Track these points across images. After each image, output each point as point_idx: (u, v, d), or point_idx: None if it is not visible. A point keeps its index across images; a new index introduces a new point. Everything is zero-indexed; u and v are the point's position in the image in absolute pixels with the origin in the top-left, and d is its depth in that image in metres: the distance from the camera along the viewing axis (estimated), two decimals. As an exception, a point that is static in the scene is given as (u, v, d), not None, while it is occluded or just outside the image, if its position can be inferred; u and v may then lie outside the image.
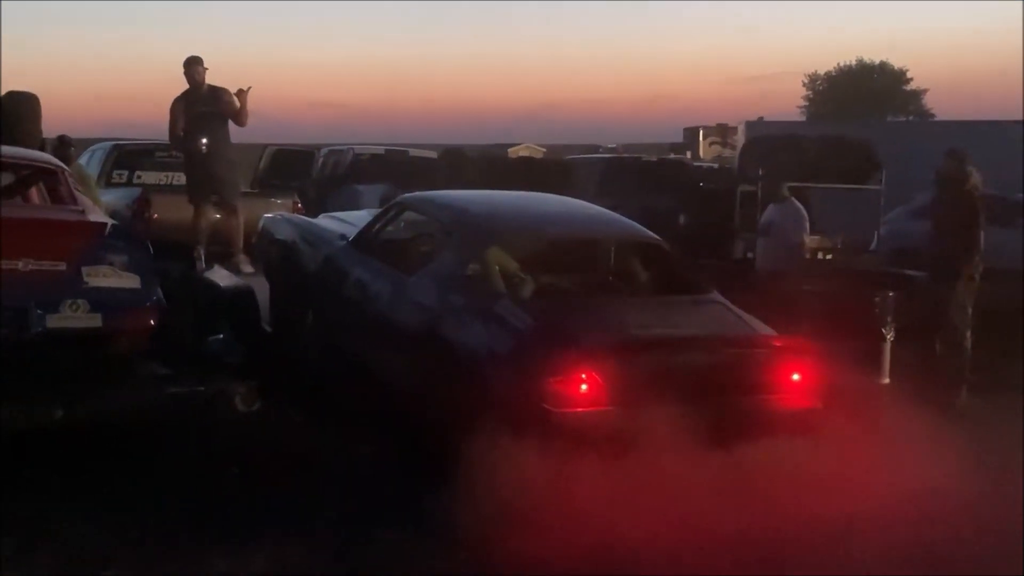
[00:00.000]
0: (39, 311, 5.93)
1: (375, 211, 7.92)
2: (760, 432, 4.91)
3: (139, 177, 13.39)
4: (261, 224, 8.78)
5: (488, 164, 18.67)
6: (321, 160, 19.23)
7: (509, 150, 33.68)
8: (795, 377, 5.41)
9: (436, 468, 4.86)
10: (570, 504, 4.34)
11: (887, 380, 7.11)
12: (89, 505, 4.83)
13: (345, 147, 19.71)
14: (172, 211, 10.77)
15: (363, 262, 6.84)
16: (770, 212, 9.91)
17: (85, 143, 14.53)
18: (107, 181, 13.02)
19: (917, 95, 51.02)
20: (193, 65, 9.75)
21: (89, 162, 13.39)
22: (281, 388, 6.76)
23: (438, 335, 5.71)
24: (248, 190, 13.01)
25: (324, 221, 8.35)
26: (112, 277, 6.20)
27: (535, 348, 5.21)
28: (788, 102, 54.13)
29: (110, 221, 6.99)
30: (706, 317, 5.87)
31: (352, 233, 7.25)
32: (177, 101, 9.77)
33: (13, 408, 5.91)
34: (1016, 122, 20.85)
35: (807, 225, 9.74)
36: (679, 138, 43.95)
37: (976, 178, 7.96)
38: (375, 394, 6.13)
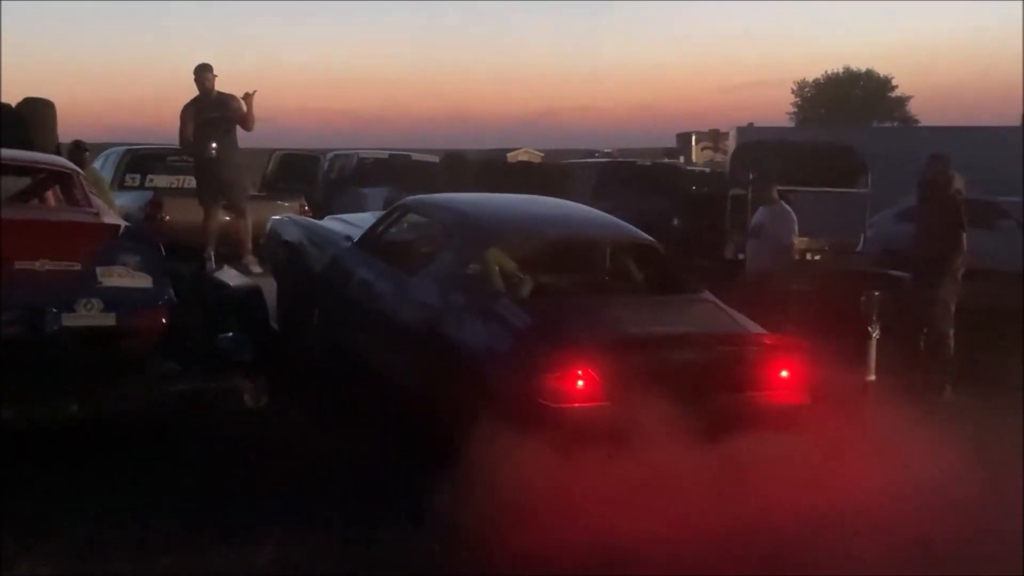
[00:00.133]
0: (55, 310, 5.93)
1: (379, 213, 7.92)
2: (750, 427, 4.90)
3: (151, 181, 13.39)
4: (269, 226, 8.78)
5: (488, 168, 18.66)
6: (327, 164, 19.21)
7: (508, 154, 33.57)
8: (784, 374, 5.41)
9: (438, 462, 4.85)
10: (566, 496, 4.34)
11: (873, 377, 7.08)
12: (98, 500, 4.82)
13: (350, 152, 19.70)
14: (183, 213, 10.77)
15: (367, 262, 6.84)
16: (760, 214, 9.90)
17: (99, 148, 14.51)
18: (120, 185, 13.01)
19: (901, 102, 51.04)
20: (203, 72, 9.76)
21: (103, 166, 13.38)
22: (288, 385, 6.76)
23: (439, 333, 5.71)
24: (256, 193, 13.01)
25: (330, 223, 8.34)
26: (125, 277, 6.21)
27: (533, 345, 5.21)
28: (778, 108, 54.16)
29: (123, 223, 7.00)
30: (698, 316, 5.86)
31: (357, 234, 7.25)
32: (187, 107, 9.78)
33: (30, 403, 5.93)
34: (998, 127, 20.89)
35: (796, 227, 9.72)
36: (672, 143, 43.81)
37: (958, 182, 7.97)
38: (379, 390, 6.12)
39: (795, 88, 53.15)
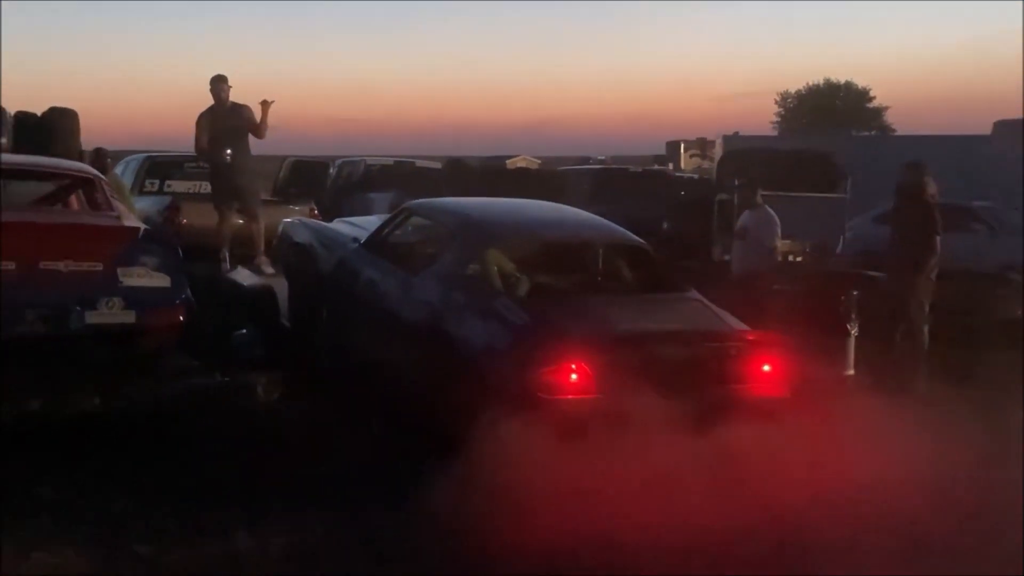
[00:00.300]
0: (78, 308, 5.94)
1: (385, 216, 7.92)
2: (733, 418, 4.91)
3: (169, 186, 13.35)
4: (281, 228, 8.78)
5: (488, 174, 18.65)
6: (336, 170, 19.17)
7: (507, 161, 33.57)
8: (765, 368, 5.42)
9: (440, 452, 4.86)
10: (560, 482, 4.34)
11: (852, 371, 7.11)
12: (117, 488, 4.82)
13: (358, 158, 19.66)
14: (199, 217, 10.76)
15: (373, 263, 6.83)
16: (745, 218, 9.91)
17: (120, 155, 14.51)
18: (140, 190, 12.99)
19: (879, 112, 50.97)
20: (219, 83, 9.76)
21: (124, 172, 13.37)
22: (299, 379, 6.77)
23: (441, 330, 5.72)
24: (268, 198, 12.98)
25: (338, 225, 8.34)
26: (145, 277, 6.22)
27: (530, 341, 5.21)
28: (762, 118, 54.05)
29: (143, 226, 6.99)
30: (685, 313, 5.87)
31: (363, 236, 7.25)
32: (203, 116, 9.77)
33: (55, 396, 5.94)
34: (970, 136, 20.88)
35: (779, 230, 9.73)
36: (662, 151, 43.74)
37: (932, 187, 7.97)
38: (384, 384, 6.13)
39: (778, 99, 53.09)
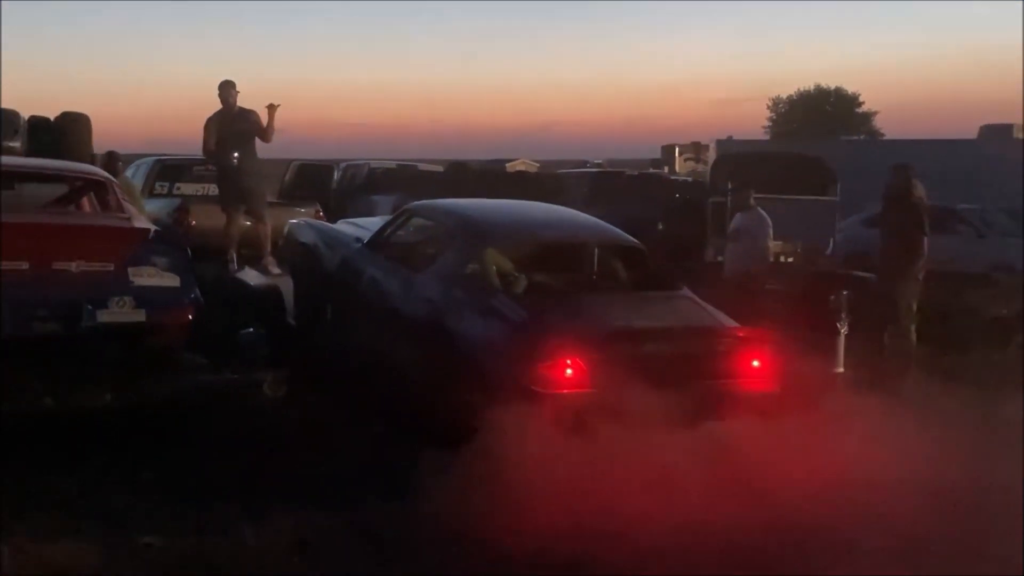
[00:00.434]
0: (90, 307, 5.94)
1: (387, 217, 7.91)
2: (723, 412, 4.92)
3: (179, 188, 13.34)
4: (287, 229, 8.78)
5: (488, 177, 18.64)
6: (340, 173, 19.14)
7: (507, 164, 33.54)
8: (755, 364, 5.43)
9: (440, 444, 4.86)
10: (556, 474, 4.34)
11: (841, 369, 7.10)
12: (128, 481, 4.83)
13: (362, 162, 19.64)
14: (208, 219, 10.74)
15: (376, 262, 6.84)
16: (738, 220, 9.90)
17: (131, 158, 14.50)
18: (150, 192, 12.97)
19: (868, 117, 50.96)
20: (227, 88, 9.75)
21: (134, 175, 13.35)
22: (305, 377, 6.76)
23: (441, 326, 5.73)
24: (275, 200, 12.98)
25: (342, 226, 8.34)
26: (155, 277, 6.22)
27: (526, 337, 5.23)
28: (754, 123, 54.09)
29: (153, 227, 6.99)
30: (677, 310, 5.88)
31: (367, 236, 7.25)
32: (211, 120, 9.76)
33: (68, 393, 5.94)
34: (956, 140, 20.89)
35: (771, 232, 9.72)
36: (657, 154, 43.79)
37: (920, 190, 7.96)
38: (386, 379, 6.12)
39: (770, 104, 53.14)
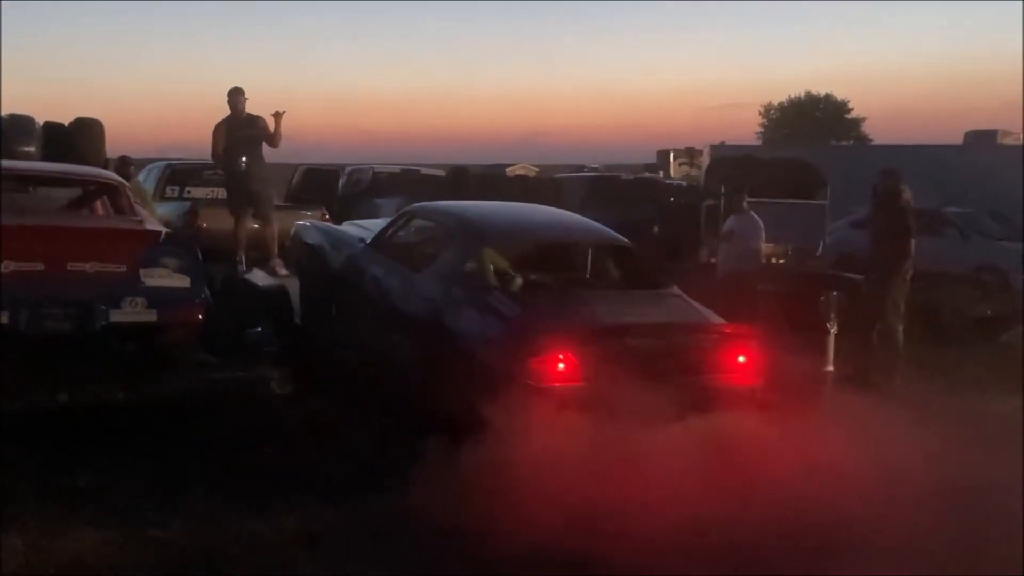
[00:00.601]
0: (103, 307, 5.94)
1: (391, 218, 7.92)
2: (709, 404, 4.91)
3: (189, 192, 13.36)
4: (294, 230, 8.79)
5: (488, 181, 18.63)
6: (346, 178, 19.10)
7: (507, 169, 33.45)
8: (740, 359, 5.44)
9: (439, 435, 4.86)
10: (548, 464, 4.34)
11: (831, 367, 7.11)
12: (140, 474, 4.83)
13: (367, 166, 19.60)
14: (217, 221, 10.74)
15: (378, 261, 6.86)
16: (731, 222, 9.92)
17: (143, 162, 14.50)
18: (161, 195, 12.99)
19: (857, 123, 50.81)
20: (236, 95, 9.75)
21: (146, 179, 13.35)
22: (311, 373, 6.77)
23: (440, 322, 5.74)
24: (282, 203, 12.97)
25: (347, 227, 8.36)
26: (166, 278, 6.23)
27: (520, 333, 5.24)
28: (747, 129, 53.87)
29: (164, 230, 7.00)
30: (666, 308, 5.89)
31: (370, 237, 7.27)
32: (220, 125, 9.76)
33: (82, 390, 5.94)
34: (942, 145, 20.86)
35: (763, 234, 9.75)
36: (653, 159, 43.57)
37: (907, 194, 7.97)
38: (389, 375, 6.13)
39: (762, 110, 52.96)
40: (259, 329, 7.64)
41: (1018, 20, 75.92)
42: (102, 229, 6.78)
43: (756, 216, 9.75)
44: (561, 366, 5.03)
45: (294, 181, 18.50)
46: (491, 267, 6.16)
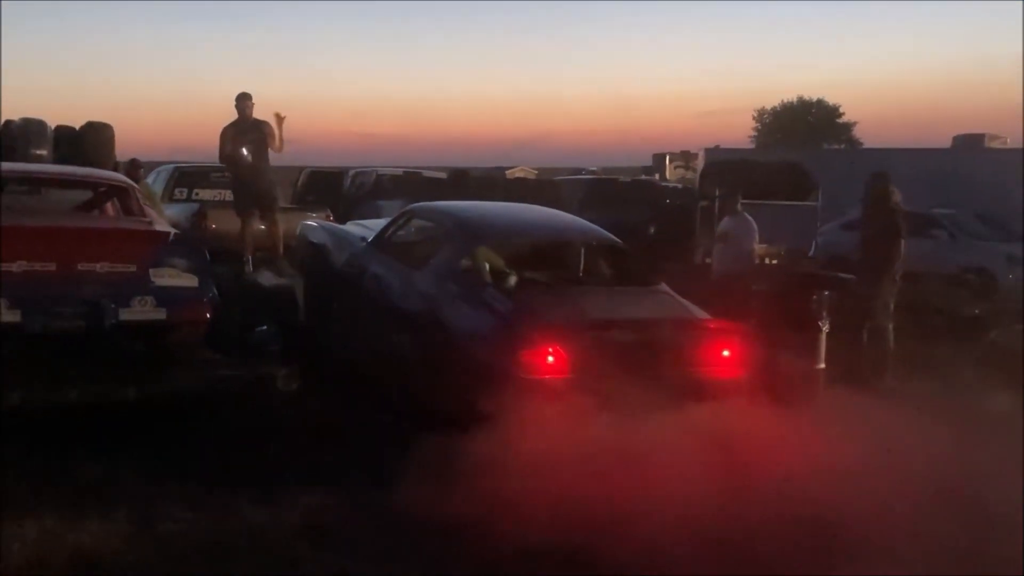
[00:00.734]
0: (113, 305, 5.95)
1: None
2: (695, 397, 4.91)
3: (197, 194, 13.37)
4: (299, 230, 8.81)
5: (489, 183, 18.64)
6: (349, 180, 19.13)
7: (507, 171, 33.50)
8: (725, 353, 5.45)
9: (436, 426, 4.86)
10: (538, 454, 4.34)
11: (823, 365, 7.10)
12: (150, 468, 4.83)
13: (370, 169, 19.63)
14: (224, 223, 10.76)
15: (378, 259, 6.90)
16: (725, 224, 9.91)
17: (152, 165, 14.51)
18: (170, 197, 13.00)
19: (848, 127, 50.84)
20: (243, 100, 9.78)
21: (155, 181, 13.37)
22: (315, 371, 6.76)
23: (437, 317, 5.77)
24: (287, 205, 12.99)
25: (349, 227, 8.40)
26: (174, 277, 6.23)
27: (513, 328, 5.27)
28: (741, 133, 54.05)
29: (172, 230, 7.01)
30: (654, 304, 5.92)
31: (371, 236, 7.30)
32: (227, 129, 9.78)
33: (92, 387, 5.95)
34: (931, 149, 20.84)
35: (756, 235, 9.73)
36: (649, 162, 43.65)
37: (897, 196, 7.97)
38: (389, 369, 6.13)
39: (756, 115, 53.04)
40: (265, 328, 7.65)
41: (1015, 24, 75.16)
42: (112, 230, 6.79)
43: (750, 218, 9.74)
44: (550, 359, 5.06)
45: (299, 183, 18.53)
46: (486, 265, 6.21)
